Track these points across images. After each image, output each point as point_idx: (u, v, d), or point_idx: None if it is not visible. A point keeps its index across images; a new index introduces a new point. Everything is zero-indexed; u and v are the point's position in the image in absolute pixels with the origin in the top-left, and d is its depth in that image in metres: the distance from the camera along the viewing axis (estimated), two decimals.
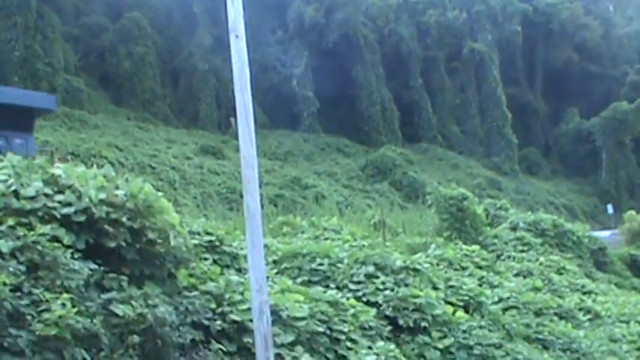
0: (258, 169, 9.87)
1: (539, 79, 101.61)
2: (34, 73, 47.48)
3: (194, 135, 52.38)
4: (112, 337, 9.75)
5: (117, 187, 11.52)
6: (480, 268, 23.90)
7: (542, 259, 28.48)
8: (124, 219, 11.06)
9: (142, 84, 56.51)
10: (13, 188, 10.62)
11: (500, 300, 19.93)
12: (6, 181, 10.77)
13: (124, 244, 11.01)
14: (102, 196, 11.07)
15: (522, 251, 29.47)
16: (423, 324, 15.99)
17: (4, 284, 8.82)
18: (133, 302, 10.18)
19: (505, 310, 19.01)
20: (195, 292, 12.05)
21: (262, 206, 13.59)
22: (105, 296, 10.16)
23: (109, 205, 11.05)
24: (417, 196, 51.42)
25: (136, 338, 9.92)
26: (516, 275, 24.99)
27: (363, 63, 73.83)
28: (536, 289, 22.89)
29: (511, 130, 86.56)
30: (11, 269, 9.18)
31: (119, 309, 9.99)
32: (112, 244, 10.90)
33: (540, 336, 18.47)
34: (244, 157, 9.77)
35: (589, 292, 26.11)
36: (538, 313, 20.17)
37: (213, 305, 12.02)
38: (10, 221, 9.88)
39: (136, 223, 11.23)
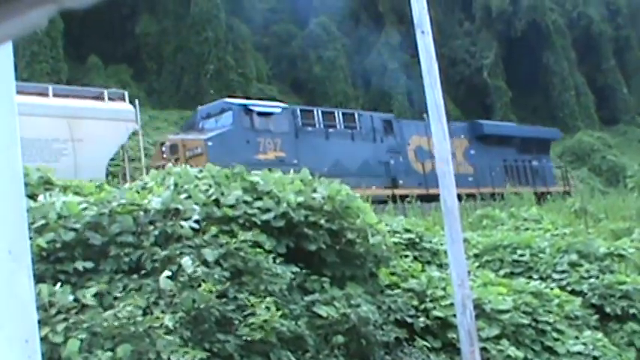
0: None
1: None
2: (227, 84, 48.36)
3: None
4: (317, 338, 9.78)
5: (314, 191, 11.53)
6: None
7: None
8: (322, 221, 11.07)
9: (333, 87, 56.62)
10: (214, 197, 10.80)
11: None
12: (207, 190, 10.96)
13: (323, 246, 11.02)
14: (300, 200, 11.10)
15: None
16: (632, 311, 15.38)
17: (211, 292, 8.94)
18: (336, 303, 10.17)
19: None
20: (397, 290, 11.97)
21: (460, 200, 13.36)
22: (308, 298, 10.20)
23: (307, 208, 11.08)
24: (618, 180, 49.70)
25: (340, 338, 9.90)
26: None
27: (554, 49, 72.01)
28: None
29: None
30: (216, 276, 9.31)
31: (322, 310, 10.00)
32: (312, 247, 10.93)
33: None
34: (438, 152, 9.68)
35: None
36: None
37: (415, 302, 11.91)
38: (213, 229, 10.02)
39: (334, 224, 11.22)
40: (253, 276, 9.74)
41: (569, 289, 15.74)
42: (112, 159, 26.53)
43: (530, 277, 15.91)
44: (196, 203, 10.48)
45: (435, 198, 28.83)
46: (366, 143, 32.92)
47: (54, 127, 24.04)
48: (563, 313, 14.37)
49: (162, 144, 28.26)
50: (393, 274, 12.47)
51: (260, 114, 28.98)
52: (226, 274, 9.51)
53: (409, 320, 11.51)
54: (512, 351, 12.05)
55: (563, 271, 16.39)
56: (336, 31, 59.02)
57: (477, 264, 16.43)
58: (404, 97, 58.52)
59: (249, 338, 8.96)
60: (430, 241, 15.77)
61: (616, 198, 36.10)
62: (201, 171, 11.91)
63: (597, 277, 16.04)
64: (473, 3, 71.83)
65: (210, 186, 11.11)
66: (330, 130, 31.51)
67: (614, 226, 25.74)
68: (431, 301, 12.06)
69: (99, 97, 26.57)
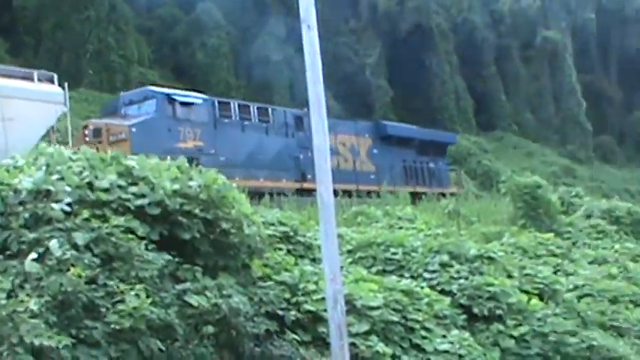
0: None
1: (613, 66, 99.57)
2: (107, 65, 47.55)
3: None
4: (187, 328, 9.71)
5: (190, 179, 11.44)
6: (555, 256, 23.46)
7: (617, 246, 27.84)
8: (197, 210, 10.99)
9: (216, 75, 56.12)
10: (87, 180, 10.59)
11: (575, 288, 19.56)
12: (80, 173, 10.74)
13: (197, 235, 10.96)
14: (175, 187, 11.00)
15: (597, 239, 28.87)
16: (498, 312, 15.80)
17: (79, 276, 8.78)
18: (207, 293, 10.12)
19: (580, 297, 18.65)
20: (270, 283, 11.98)
21: (336, 196, 13.45)
22: (179, 287, 10.11)
23: (182, 196, 10.98)
24: (492, 185, 50.81)
25: (210, 328, 9.86)
26: (591, 263, 24.45)
27: (437, 52, 73.07)
28: (612, 277, 22.37)
29: (586, 117, 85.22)
30: (86, 261, 9.14)
31: (193, 299, 9.94)
32: (186, 236, 10.85)
33: (615, 323, 18.11)
34: (317, 147, 9.69)
35: None
36: (613, 301, 19.74)
37: (287, 295, 11.95)
38: (85, 213, 9.83)
39: (209, 214, 11.16)
40: (124, 262, 9.60)
41: (439, 288, 16.04)
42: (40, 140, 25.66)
43: (401, 276, 16.15)
44: (69, 185, 10.27)
45: (337, 194, 30.60)
46: (279, 137, 34.41)
47: None
48: (432, 311, 14.63)
49: (85, 127, 28.75)
50: (266, 266, 12.46)
51: (182, 104, 30.15)
52: (96, 259, 9.34)
53: (280, 313, 11.53)
54: (380, 347, 12.19)
55: (434, 271, 16.66)
56: (222, 18, 58.56)
57: (349, 260, 16.58)
58: (286, 90, 58.42)
59: (117, 326, 8.83)
60: (304, 235, 15.83)
61: (489, 202, 36.86)
62: (75, 152, 11.68)
63: (467, 278, 16.40)
64: (360, 1, 72.35)
65: (84, 168, 10.89)
66: (246, 122, 32.75)
67: (486, 230, 26.28)
68: (303, 294, 12.12)
69: (28, 78, 26.55)
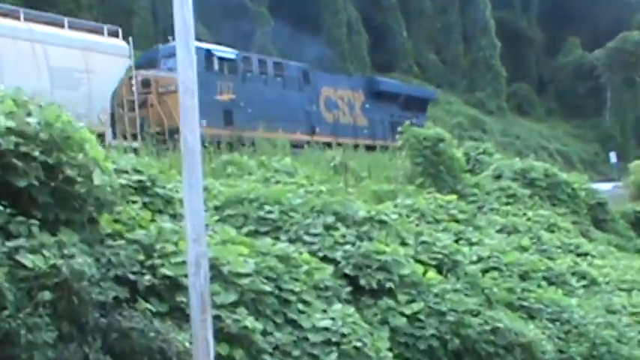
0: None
1: (535, 2, 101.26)
2: None
3: None
4: (18, 293, 9.65)
5: (29, 114, 11.33)
6: (457, 221, 23.93)
7: (530, 213, 28.58)
8: (36, 152, 10.88)
9: None
10: None
11: (480, 260, 20.00)
12: None
13: (35, 182, 10.84)
14: (10, 124, 10.88)
15: (507, 204, 29.51)
16: (389, 285, 16.04)
17: None
18: (45, 252, 10.07)
19: (485, 271, 19.08)
20: (121, 241, 11.95)
21: (203, 142, 13.50)
22: (10, 244, 10.02)
23: (18, 135, 10.88)
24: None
25: (47, 295, 9.82)
26: (499, 231, 25.07)
27: None
28: (523, 249, 23.01)
29: (500, 61, 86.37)
30: None
31: (28, 259, 9.88)
32: (22, 183, 10.75)
33: (525, 303, 18.61)
34: (182, 82, 9.67)
35: (584, 254, 26.25)
36: (524, 277, 20.32)
37: (141, 257, 11.93)
38: None
39: (51, 157, 11.06)
40: None
41: (321, 255, 16.20)
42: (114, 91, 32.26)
43: (277, 238, 16.23)
44: None
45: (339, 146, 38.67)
46: (293, 92, 42.67)
47: (73, 57, 30.30)
48: (312, 282, 14.80)
49: (130, 78, 33.38)
50: (116, 221, 12.46)
51: (219, 58, 37.25)
52: None
53: (132, 278, 11.52)
54: (250, 321, 12.28)
55: (315, 234, 16.83)
56: None
57: (216, 218, 16.61)
58: (147, 13, 58.02)
59: None
60: (164, 187, 15.75)
61: (382, 155, 37.32)
62: None
63: (354, 244, 16.60)
64: None
65: None
66: (265, 76, 40.65)
67: (378, 188, 26.68)
68: (160, 257, 12.12)
69: (98, 32, 32.84)
